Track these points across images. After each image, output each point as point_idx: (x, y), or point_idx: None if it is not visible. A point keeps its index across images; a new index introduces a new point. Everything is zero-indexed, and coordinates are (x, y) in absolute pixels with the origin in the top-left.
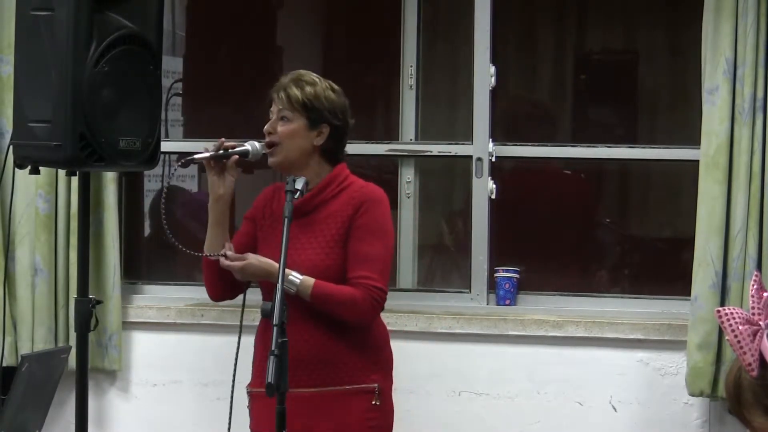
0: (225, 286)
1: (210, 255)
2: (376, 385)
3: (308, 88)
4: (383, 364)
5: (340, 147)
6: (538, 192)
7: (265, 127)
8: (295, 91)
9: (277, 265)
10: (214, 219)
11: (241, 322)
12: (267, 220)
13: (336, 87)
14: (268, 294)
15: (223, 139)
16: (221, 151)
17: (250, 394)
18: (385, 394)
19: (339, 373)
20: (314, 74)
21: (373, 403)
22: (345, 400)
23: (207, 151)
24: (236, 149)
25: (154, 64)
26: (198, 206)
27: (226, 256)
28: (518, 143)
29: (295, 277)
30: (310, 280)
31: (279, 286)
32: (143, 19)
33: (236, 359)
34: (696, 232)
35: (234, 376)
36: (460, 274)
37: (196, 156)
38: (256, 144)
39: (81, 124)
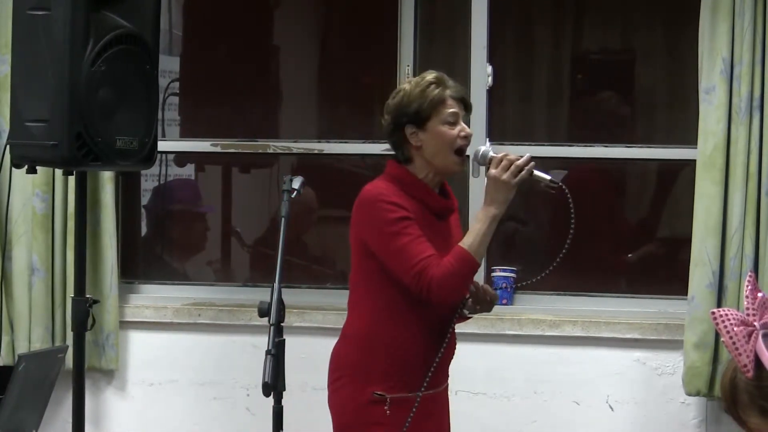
0: None
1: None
2: None
3: None
4: None
5: None
6: (535, 191)
7: (470, 130)
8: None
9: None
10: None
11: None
12: (420, 219)
13: None
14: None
15: (512, 154)
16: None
17: (396, 399)
18: None
19: (448, 369)
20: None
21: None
22: (447, 395)
23: (533, 167)
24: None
25: (150, 63)
26: (191, 197)
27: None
28: (515, 143)
29: None
30: None
31: (276, 285)
32: (140, 19)
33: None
34: (693, 232)
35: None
36: None
37: (541, 173)
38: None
39: (78, 124)
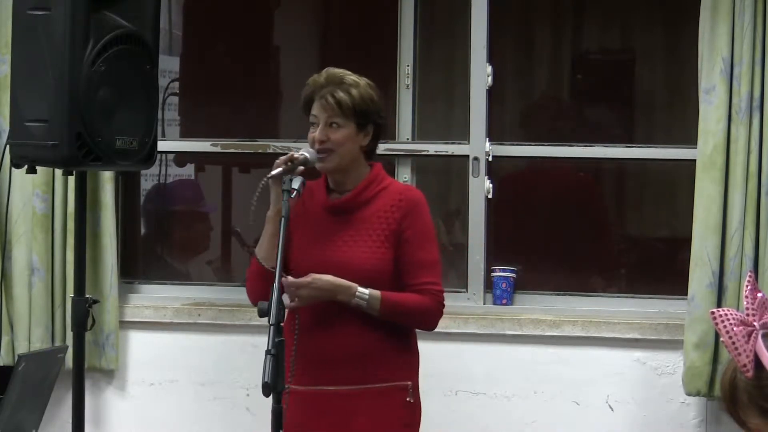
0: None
1: (272, 268)
2: (409, 382)
3: (354, 91)
4: (415, 362)
5: (377, 144)
6: (534, 191)
7: (317, 135)
8: (344, 96)
9: (340, 280)
10: (275, 230)
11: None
12: (301, 218)
13: (372, 83)
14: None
15: (292, 152)
16: (290, 164)
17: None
18: (416, 391)
19: (377, 370)
20: (349, 72)
21: (408, 400)
22: (382, 397)
23: (277, 166)
24: (299, 159)
25: (150, 63)
26: (192, 198)
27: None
28: (515, 143)
29: (361, 292)
30: (377, 293)
31: (276, 285)
32: (140, 19)
33: None
34: (693, 232)
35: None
36: (457, 274)
37: (273, 172)
38: (312, 150)
39: (78, 124)
